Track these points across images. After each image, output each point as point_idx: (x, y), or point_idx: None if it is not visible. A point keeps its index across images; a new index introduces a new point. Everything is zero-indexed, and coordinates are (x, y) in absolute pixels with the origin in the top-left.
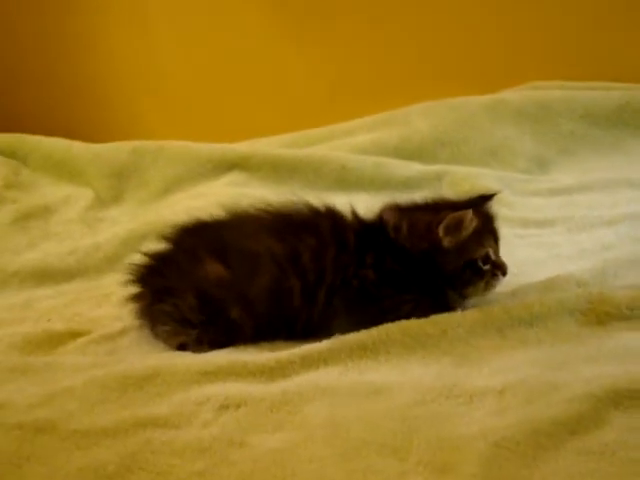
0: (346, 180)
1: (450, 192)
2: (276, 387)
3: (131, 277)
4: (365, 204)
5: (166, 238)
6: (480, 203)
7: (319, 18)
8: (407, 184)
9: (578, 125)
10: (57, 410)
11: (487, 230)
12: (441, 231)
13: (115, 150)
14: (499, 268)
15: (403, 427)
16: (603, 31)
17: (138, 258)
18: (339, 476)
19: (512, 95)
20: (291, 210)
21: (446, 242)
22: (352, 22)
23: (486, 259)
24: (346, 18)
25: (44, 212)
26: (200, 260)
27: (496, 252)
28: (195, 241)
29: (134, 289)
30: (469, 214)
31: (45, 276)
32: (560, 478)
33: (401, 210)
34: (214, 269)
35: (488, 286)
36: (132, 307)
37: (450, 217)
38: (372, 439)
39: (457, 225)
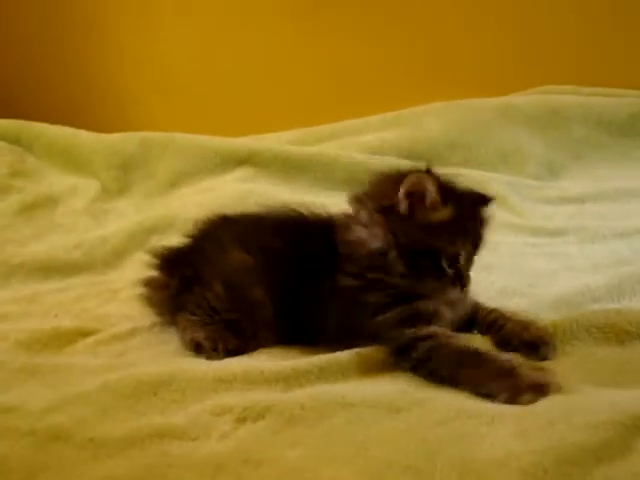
0: (356, 180)
1: None
2: (293, 398)
3: (156, 266)
4: None
5: (190, 232)
6: (476, 201)
7: (329, 14)
8: None
9: (591, 132)
10: (71, 416)
11: (468, 231)
12: (401, 192)
13: (122, 141)
14: (461, 279)
15: (425, 448)
16: (616, 35)
17: (159, 248)
18: None
19: (524, 99)
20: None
21: (403, 206)
22: (363, 20)
23: (453, 261)
24: (357, 16)
25: (50, 202)
26: (226, 250)
27: (468, 259)
28: (221, 233)
29: (159, 278)
30: (428, 179)
31: (51, 269)
32: None
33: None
34: (239, 257)
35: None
36: (155, 296)
37: (412, 176)
38: (395, 460)
39: (418, 190)
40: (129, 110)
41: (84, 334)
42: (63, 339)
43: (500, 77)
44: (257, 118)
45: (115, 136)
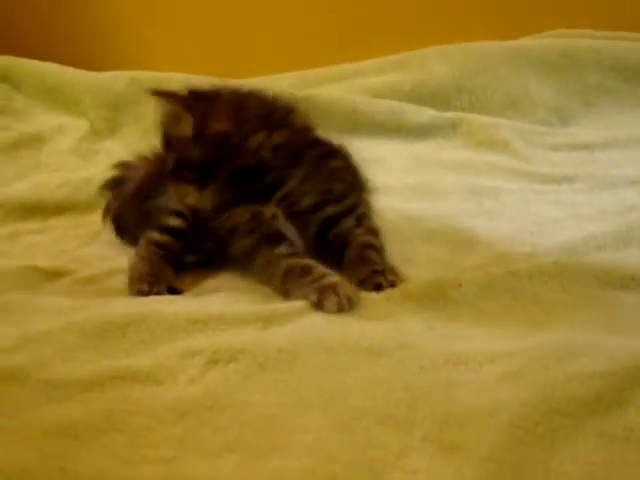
0: (356, 123)
1: (465, 141)
2: (269, 340)
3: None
4: (375, 149)
5: None
6: None
7: None
8: (419, 130)
9: (604, 77)
10: (30, 356)
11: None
12: None
13: (112, 79)
14: None
15: (406, 396)
16: None
17: None
18: (336, 450)
19: (535, 42)
20: None
21: None
22: None
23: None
24: None
25: (36, 141)
26: None
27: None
28: None
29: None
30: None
31: (33, 209)
32: (580, 466)
33: None
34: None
35: None
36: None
37: None
38: (373, 408)
39: None
40: (123, 48)
41: (59, 274)
42: (36, 279)
43: (511, 19)
44: (255, 60)
45: (104, 74)
